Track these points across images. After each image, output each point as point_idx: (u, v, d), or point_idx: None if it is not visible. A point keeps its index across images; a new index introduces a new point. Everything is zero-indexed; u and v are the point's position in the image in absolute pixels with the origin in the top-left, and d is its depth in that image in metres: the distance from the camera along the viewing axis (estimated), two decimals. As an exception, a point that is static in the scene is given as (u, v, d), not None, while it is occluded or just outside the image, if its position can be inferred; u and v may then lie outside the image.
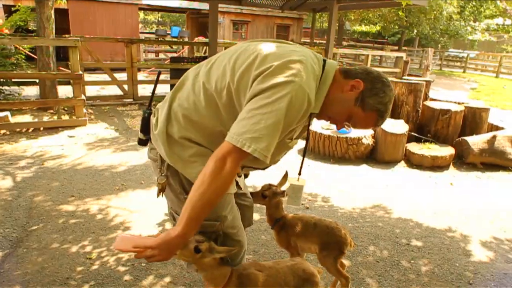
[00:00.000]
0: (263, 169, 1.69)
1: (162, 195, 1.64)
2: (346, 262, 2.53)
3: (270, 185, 2.12)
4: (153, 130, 1.57)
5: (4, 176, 4.05)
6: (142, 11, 30.89)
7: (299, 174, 1.81)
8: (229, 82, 1.37)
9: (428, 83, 6.23)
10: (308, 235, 2.19)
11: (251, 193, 2.07)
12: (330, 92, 1.43)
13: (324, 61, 1.47)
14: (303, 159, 1.73)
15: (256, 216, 3.42)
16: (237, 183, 1.82)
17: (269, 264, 1.74)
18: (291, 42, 1.51)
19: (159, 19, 39.43)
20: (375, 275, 2.66)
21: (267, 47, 1.40)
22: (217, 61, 1.47)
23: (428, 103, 5.87)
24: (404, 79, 6.57)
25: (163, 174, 1.58)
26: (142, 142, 1.66)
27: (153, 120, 1.60)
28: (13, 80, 6.77)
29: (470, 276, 2.74)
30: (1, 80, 6.53)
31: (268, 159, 1.30)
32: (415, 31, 24.74)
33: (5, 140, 5.25)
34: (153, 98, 1.73)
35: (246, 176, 2.19)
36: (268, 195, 2.10)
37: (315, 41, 20.00)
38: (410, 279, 2.65)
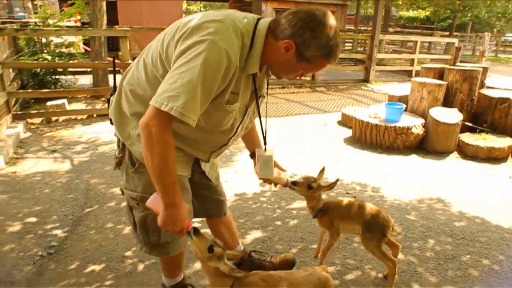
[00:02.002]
0: (227, 144, 1.71)
1: (119, 169, 1.71)
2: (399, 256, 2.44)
3: (315, 178, 2.13)
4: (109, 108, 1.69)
5: (63, 159, 4.32)
6: (185, 1, 31.41)
7: (265, 144, 1.84)
8: (159, 52, 1.43)
9: (485, 70, 5.83)
10: (352, 216, 2.21)
11: (294, 182, 2.07)
12: (268, 55, 1.44)
13: (259, 19, 1.46)
14: (263, 129, 1.75)
15: (303, 204, 3.40)
16: (202, 171, 1.83)
17: (281, 275, 1.72)
18: (233, 10, 1.52)
19: (201, 9, 39.91)
20: (428, 268, 2.57)
21: (194, 16, 1.43)
22: (156, 39, 1.53)
23: (485, 91, 5.51)
24: (458, 65, 6.19)
25: (119, 149, 1.69)
26: (112, 122, 1.71)
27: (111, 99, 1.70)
28: (68, 70, 7.17)
29: (534, 274, 2.56)
30: (59, 70, 6.92)
31: (191, 120, 1.29)
32: (469, 15, 23.18)
33: (63, 126, 5.58)
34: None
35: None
36: (314, 187, 2.11)
37: (359, 27, 19.38)
38: (466, 274, 2.53)
